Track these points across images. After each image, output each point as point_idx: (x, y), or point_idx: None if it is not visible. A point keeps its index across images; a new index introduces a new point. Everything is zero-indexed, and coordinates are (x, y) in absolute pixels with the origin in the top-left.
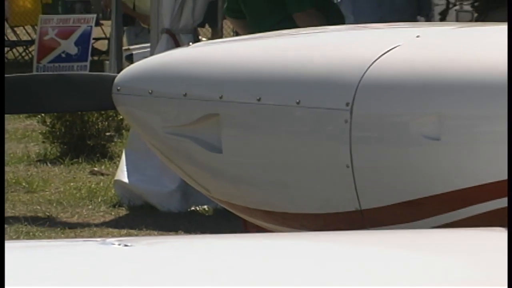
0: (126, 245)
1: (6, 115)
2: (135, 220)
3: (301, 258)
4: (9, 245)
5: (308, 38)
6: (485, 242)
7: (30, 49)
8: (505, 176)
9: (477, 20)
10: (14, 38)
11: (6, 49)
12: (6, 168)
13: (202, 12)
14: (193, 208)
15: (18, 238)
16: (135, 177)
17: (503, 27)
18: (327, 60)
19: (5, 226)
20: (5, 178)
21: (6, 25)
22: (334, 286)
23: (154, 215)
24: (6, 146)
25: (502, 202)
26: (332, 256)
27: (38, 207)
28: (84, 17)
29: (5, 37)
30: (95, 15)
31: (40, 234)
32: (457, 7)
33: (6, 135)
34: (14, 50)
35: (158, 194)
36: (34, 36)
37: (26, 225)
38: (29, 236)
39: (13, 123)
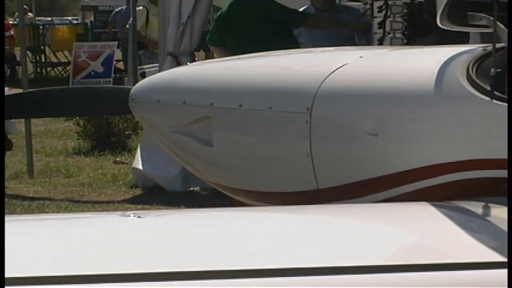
0: (139, 217)
1: (49, 118)
2: (147, 198)
3: (275, 225)
4: (52, 217)
5: (278, 58)
6: (414, 213)
7: (67, 68)
8: (426, 163)
9: (406, 44)
10: (55, 60)
11: (48, 68)
12: (49, 159)
13: (197, 40)
14: (192, 189)
15: (58, 212)
16: (148, 165)
17: (425, 49)
18: (292, 75)
19: (48, 203)
20: (49, 166)
21: (48, 50)
22: (300, 243)
23: (162, 194)
24: (50, 142)
25: (425, 183)
26: (296, 223)
27: (74, 188)
28: (108, 44)
29: (48, 59)
30: (116, 42)
31: (75, 209)
32: (391, 35)
33: (49, 134)
34: (55, 69)
35: (165, 178)
36: (70, 58)
37: (64, 202)
38: (66, 210)
39: (54, 124)
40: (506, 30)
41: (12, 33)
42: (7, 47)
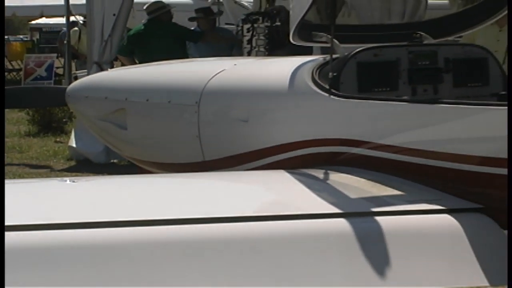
0: (73, 181)
1: (7, 110)
2: (79, 168)
3: (173, 186)
4: (9, 182)
5: (175, 65)
6: (274, 177)
7: (20, 73)
8: (282, 142)
9: (268, 55)
10: (11, 67)
11: (6, 73)
12: (7, 139)
13: (115, 52)
14: (112, 161)
15: (14, 178)
16: (80, 144)
17: (281, 59)
18: (185, 77)
19: (7, 171)
20: (7, 145)
21: (6, 59)
22: (191, 199)
23: (90, 165)
24: (7, 127)
25: (282, 156)
26: (188, 185)
27: (26, 161)
28: (50, 55)
29: (6, 67)
30: (56, 54)
31: (26, 175)
32: (256, 49)
33: (7, 121)
34: (11, 74)
35: (93, 153)
36: (22, 66)
37: (19, 171)
38: (20, 177)
39: (11, 114)
40: (340, 45)
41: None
42: None
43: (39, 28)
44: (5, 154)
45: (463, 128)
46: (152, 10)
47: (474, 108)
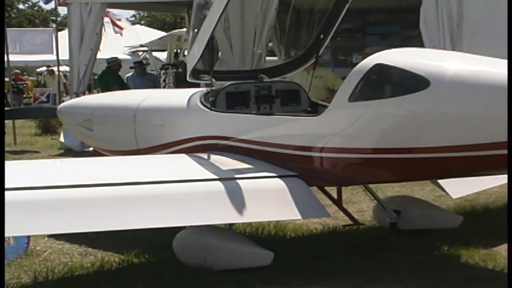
0: (61, 161)
1: (24, 120)
2: (66, 154)
3: (125, 162)
4: (25, 162)
5: (121, 93)
6: (180, 159)
7: (31, 99)
8: (185, 137)
9: (176, 88)
10: (26, 96)
11: (26, 99)
12: (23, 137)
13: (87, 86)
14: (85, 150)
15: (27, 160)
16: (66, 140)
17: (183, 90)
18: (127, 100)
19: (23, 156)
20: (23, 141)
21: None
22: (133, 169)
23: (72, 152)
24: (23, 130)
25: (185, 146)
26: (130, 162)
27: (34, 150)
28: (48, 89)
29: (25, 95)
30: (51, 88)
31: (34, 158)
32: (168, 84)
33: (23, 126)
34: (26, 99)
35: (73, 145)
36: (32, 94)
37: (29, 155)
38: (31, 159)
39: (26, 122)
40: (216, 82)
41: (27, 82)
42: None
43: (42, 73)
44: (22, 146)
45: (286, 129)
46: (109, 62)
47: (292, 118)
